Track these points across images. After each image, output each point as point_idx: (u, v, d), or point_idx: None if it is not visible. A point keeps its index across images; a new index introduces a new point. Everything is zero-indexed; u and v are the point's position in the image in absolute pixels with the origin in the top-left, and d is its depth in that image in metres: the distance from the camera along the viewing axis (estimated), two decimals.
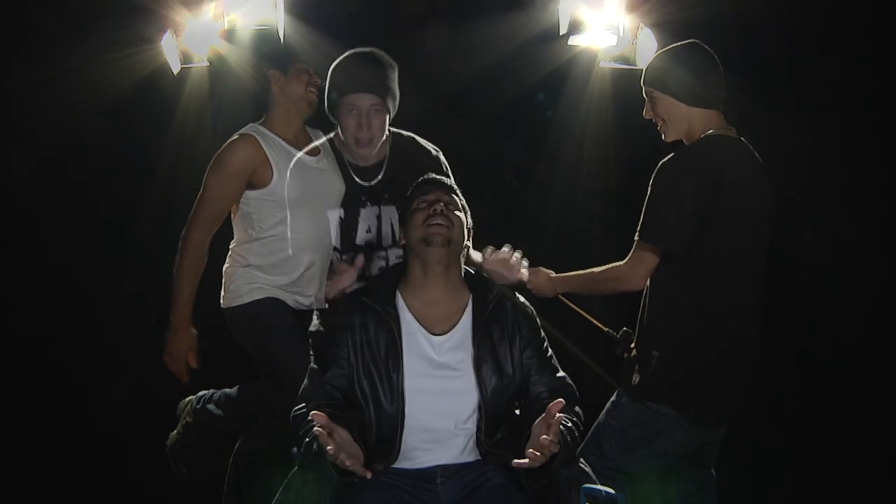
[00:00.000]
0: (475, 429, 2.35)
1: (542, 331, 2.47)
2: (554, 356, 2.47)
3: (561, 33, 3.29)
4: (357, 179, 2.83)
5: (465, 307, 2.41)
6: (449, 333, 2.37)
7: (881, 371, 3.99)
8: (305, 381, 2.36)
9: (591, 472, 2.35)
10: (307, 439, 2.18)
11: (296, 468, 2.33)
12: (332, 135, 2.92)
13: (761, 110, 4.01)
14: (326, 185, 2.80)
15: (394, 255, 2.89)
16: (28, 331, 3.86)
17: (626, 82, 3.99)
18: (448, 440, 2.35)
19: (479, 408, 2.34)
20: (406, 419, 2.31)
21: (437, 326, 2.36)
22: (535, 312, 2.49)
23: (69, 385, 3.85)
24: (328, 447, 2.03)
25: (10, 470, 3.57)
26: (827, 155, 4.03)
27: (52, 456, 3.71)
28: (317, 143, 2.86)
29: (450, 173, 2.84)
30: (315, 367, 2.37)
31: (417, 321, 2.36)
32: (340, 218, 2.83)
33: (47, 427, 3.79)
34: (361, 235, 2.86)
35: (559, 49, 3.55)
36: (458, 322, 2.38)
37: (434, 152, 2.94)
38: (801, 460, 3.72)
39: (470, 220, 2.44)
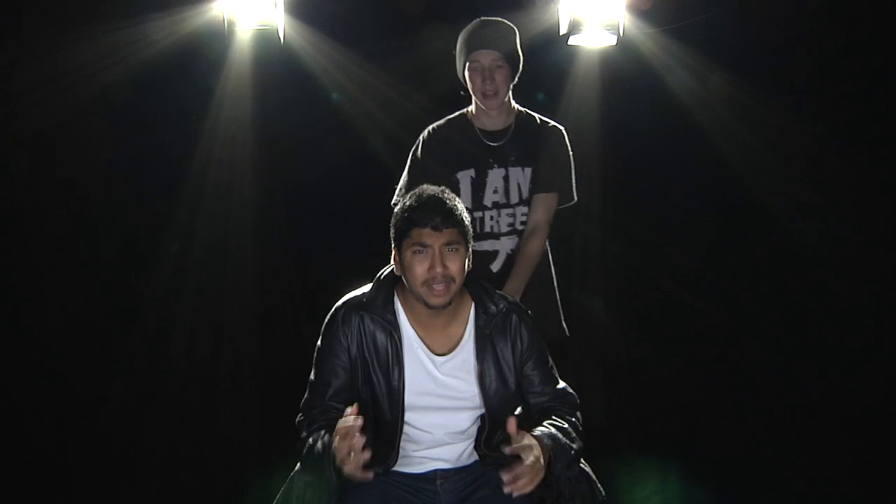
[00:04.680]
0: (475, 436, 2.35)
1: (542, 340, 2.44)
2: (554, 366, 2.46)
3: (561, 33, 3.29)
4: (486, 141, 3.06)
5: (467, 320, 2.35)
6: (451, 353, 2.32)
7: (887, 374, 3.98)
8: (306, 394, 2.34)
9: (590, 472, 2.36)
10: (310, 440, 2.19)
11: (297, 468, 2.33)
12: (464, 109, 3.13)
13: (762, 110, 4.02)
14: None
15: (520, 213, 3.06)
16: (27, 331, 3.85)
17: (626, 82, 4.01)
18: (448, 446, 2.34)
19: (483, 418, 2.33)
20: (405, 428, 2.30)
21: (438, 345, 2.32)
22: (535, 322, 2.46)
23: (68, 385, 3.84)
24: (340, 444, 2.02)
25: (10, 470, 3.57)
26: (828, 155, 4.03)
27: (51, 456, 3.71)
28: (450, 116, 3.12)
29: (568, 147, 3.09)
30: (314, 378, 2.33)
31: (419, 337, 2.31)
32: (472, 177, 3.05)
33: (46, 428, 3.78)
34: (489, 196, 3.05)
35: (559, 49, 3.56)
36: (460, 339, 2.33)
37: (558, 126, 3.11)
38: (806, 467, 3.71)
39: (469, 229, 2.28)
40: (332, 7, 3.74)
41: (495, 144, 3.07)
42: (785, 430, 3.93)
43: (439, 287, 2.20)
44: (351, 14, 3.86)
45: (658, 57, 3.88)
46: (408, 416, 2.29)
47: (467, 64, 2.99)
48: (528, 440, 2.12)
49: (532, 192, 3.07)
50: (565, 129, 3.12)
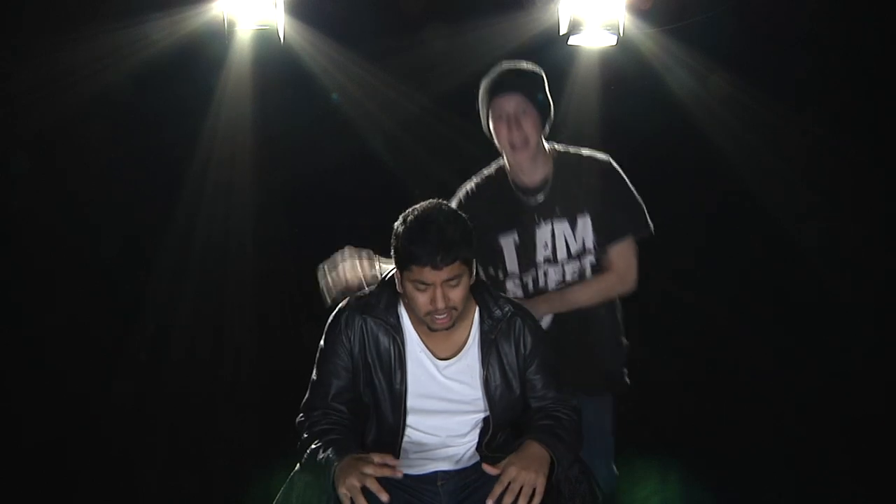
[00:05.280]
0: (478, 439, 2.35)
1: (546, 343, 2.43)
2: (558, 369, 2.45)
3: (561, 33, 3.29)
4: (525, 199, 2.81)
5: (471, 325, 2.33)
6: (455, 357, 2.31)
7: (887, 374, 3.98)
8: (308, 394, 2.34)
9: (591, 472, 2.35)
10: (312, 446, 2.20)
11: (298, 467, 2.33)
12: (501, 162, 2.88)
13: (762, 110, 4.02)
14: None
15: (570, 270, 2.83)
16: (27, 331, 3.85)
17: (626, 82, 4.00)
18: (449, 448, 2.34)
19: (486, 420, 2.33)
20: (406, 431, 2.30)
21: (441, 349, 2.31)
22: (539, 325, 2.45)
23: (69, 385, 3.84)
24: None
25: (10, 470, 3.57)
26: (827, 155, 4.03)
27: (51, 456, 3.71)
28: (487, 172, 2.87)
29: (623, 177, 2.84)
30: (316, 379, 2.34)
31: (422, 341, 2.30)
32: (515, 241, 2.82)
33: (46, 428, 3.78)
34: (541, 253, 2.82)
35: (559, 49, 3.55)
36: (464, 345, 2.32)
37: (603, 159, 2.85)
38: (806, 467, 3.71)
39: (472, 249, 2.21)
40: (332, 7, 3.74)
41: (537, 202, 2.80)
42: (785, 430, 3.93)
43: (441, 317, 2.18)
44: (351, 14, 3.85)
45: (658, 57, 3.87)
46: (410, 419, 2.29)
47: (490, 113, 2.74)
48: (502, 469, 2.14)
49: (599, 243, 2.81)
50: (610, 156, 2.86)
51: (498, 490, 2.10)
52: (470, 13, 3.58)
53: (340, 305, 2.35)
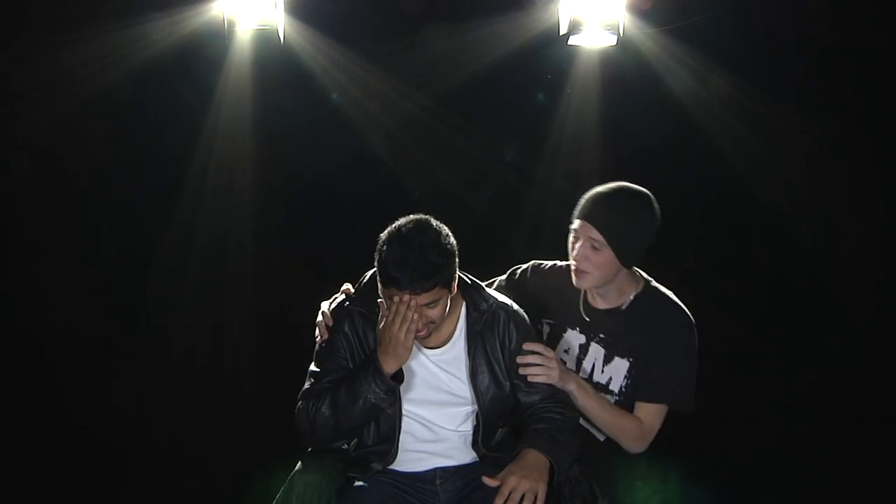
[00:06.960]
0: (472, 434, 2.36)
1: (534, 337, 2.45)
2: None
3: (561, 33, 3.29)
4: (583, 314, 2.66)
5: (458, 317, 2.38)
6: (443, 347, 2.36)
7: (887, 374, 3.98)
8: (306, 385, 2.36)
9: (591, 472, 2.36)
10: (333, 391, 2.24)
11: (298, 467, 2.34)
12: None
13: (762, 110, 4.02)
14: None
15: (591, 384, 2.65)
16: (27, 331, 3.85)
17: (626, 82, 4.00)
18: (445, 443, 2.35)
19: (476, 416, 2.34)
20: (403, 423, 2.32)
21: (430, 339, 2.34)
22: (528, 319, 2.47)
23: (69, 386, 3.84)
24: None
25: (10, 471, 3.57)
26: (827, 155, 4.03)
27: (51, 457, 3.71)
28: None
29: (696, 348, 2.65)
30: (316, 370, 2.36)
31: None
32: (548, 322, 2.72)
33: (46, 428, 3.78)
34: (559, 353, 2.68)
35: (559, 49, 3.55)
36: (451, 334, 2.37)
37: (687, 321, 2.64)
38: (806, 467, 3.71)
39: (453, 268, 2.22)
40: (332, 7, 3.74)
41: (588, 320, 2.65)
42: (785, 430, 3.93)
43: (420, 333, 2.22)
44: (351, 14, 3.85)
45: (658, 57, 3.87)
46: (405, 409, 2.31)
47: (573, 223, 2.59)
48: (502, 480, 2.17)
49: (638, 396, 2.60)
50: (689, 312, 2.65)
51: (499, 502, 2.12)
52: (470, 13, 3.58)
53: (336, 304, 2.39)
